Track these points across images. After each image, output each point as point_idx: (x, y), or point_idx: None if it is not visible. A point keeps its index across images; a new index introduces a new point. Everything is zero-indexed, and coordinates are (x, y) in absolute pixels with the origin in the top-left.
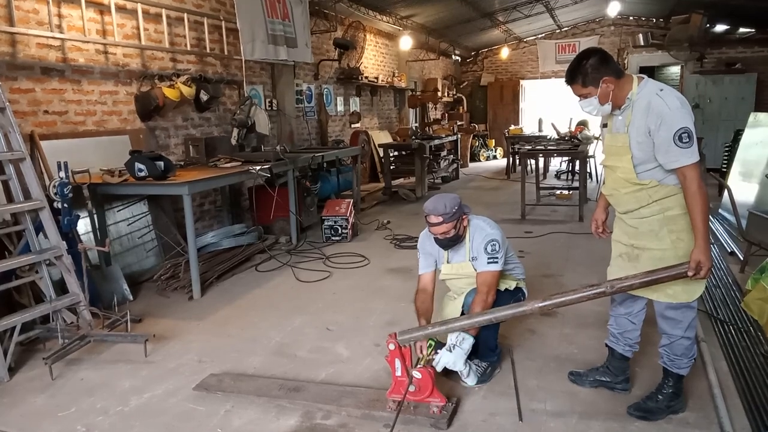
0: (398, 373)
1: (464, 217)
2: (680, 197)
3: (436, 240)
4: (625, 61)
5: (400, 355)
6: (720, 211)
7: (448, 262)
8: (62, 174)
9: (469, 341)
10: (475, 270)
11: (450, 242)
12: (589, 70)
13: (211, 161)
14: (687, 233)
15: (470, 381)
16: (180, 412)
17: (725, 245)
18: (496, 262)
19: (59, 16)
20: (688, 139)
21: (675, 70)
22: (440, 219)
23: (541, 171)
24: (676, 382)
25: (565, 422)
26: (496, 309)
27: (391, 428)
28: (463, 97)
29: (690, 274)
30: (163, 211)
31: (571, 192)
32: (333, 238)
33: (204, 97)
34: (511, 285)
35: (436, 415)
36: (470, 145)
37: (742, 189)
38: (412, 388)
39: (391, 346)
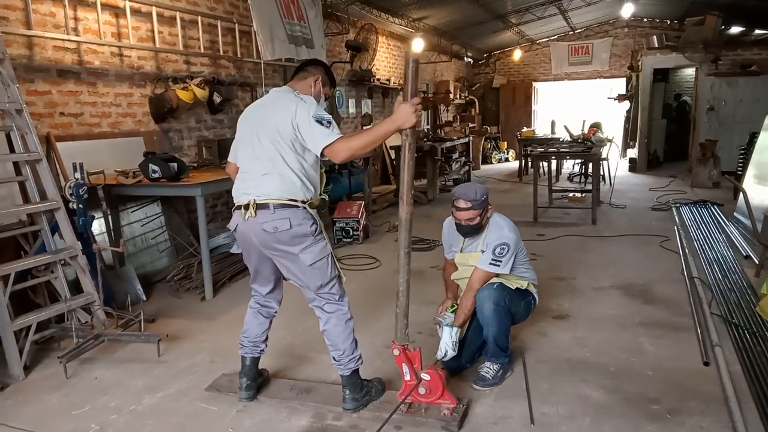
0: (407, 377)
1: (490, 207)
2: None
3: (458, 227)
4: (639, 63)
5: (406, 359)
6: (735, 214)
7: (461, 252)
8: (77, 175)
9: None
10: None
11: (472, 230)
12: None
13: (224, 163)
14: None
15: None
16: (192, 411)
17: (740, 248)
18: (497, 266)
19: (75, 19)
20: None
21: (690, 72)
22: (469, 204)
23: (553, 173)
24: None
25: (577, 425)
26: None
27: (382, 424)
28: (475, 99)
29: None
30: (176, 212)
31: (583, 195)
32: (344, 239)
33: (217, 99)
34: (523, 285)
35: (447, 418)
36: (482, 148)
37: (757, 192)
38: (421, 390)
39: (396, 352)
